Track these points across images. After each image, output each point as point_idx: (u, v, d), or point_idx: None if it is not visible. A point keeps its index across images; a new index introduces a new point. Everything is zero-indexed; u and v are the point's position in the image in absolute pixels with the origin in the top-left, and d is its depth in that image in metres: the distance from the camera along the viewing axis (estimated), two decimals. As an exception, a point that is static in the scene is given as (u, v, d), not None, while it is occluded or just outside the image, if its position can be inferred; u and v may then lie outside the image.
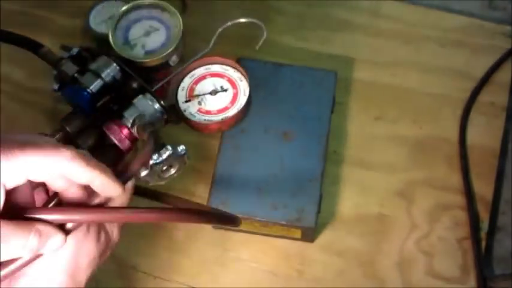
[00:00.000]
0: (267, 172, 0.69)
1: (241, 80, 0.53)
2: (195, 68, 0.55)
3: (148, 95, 0.54)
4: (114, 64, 0.55)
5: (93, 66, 0.55)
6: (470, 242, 0.70)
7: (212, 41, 0.57)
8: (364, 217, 0.73)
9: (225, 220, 0.54)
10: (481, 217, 0.72)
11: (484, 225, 0.71)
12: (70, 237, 0.44)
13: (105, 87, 0.54)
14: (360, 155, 0.76)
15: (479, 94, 0.79)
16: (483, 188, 0.73)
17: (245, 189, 0.69)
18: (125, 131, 0.53)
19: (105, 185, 0.44)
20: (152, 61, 0.57)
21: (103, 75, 0.54)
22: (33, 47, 0.60)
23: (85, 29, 0.82)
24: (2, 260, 0.40)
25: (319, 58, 0.82)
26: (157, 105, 0.54)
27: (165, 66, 0.58)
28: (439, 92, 0.80)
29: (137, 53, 0.57)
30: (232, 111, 0.51)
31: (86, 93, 0.53)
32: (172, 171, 0.55)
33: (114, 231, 0.50)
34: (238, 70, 0.53)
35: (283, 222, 0.67)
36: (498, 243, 0.69)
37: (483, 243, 0.70)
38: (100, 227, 0.48)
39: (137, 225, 0.72)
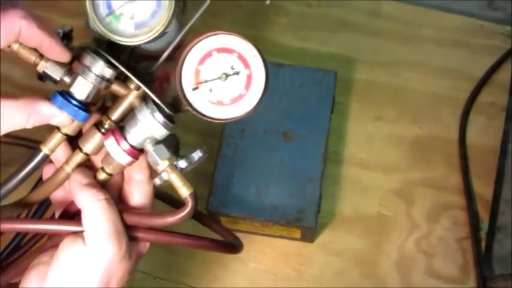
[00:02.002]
0: (266, 172, 0.69)
1: (255, 56, 0.42)
2: (196, 43, 0.44)
3: (150, 103, 0.44)
4: (101, 62, 0.47)
5: (79, 68, 0.48)
6: (470, 242, 0.70)
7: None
8: (364, 217, 0.73)
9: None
10: (481, 217, 0.72)
11: (484, 225, 0.71)
12: (104, 253, 0.44)
13: (98, 90, 0.47)
14: (360, 155, 0.76)
15: (479, 94, 0.79)
16: (483, 188, 0.73)
17: (245, 189, 0.69)
18: (125, 146, 0.46)
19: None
20: (147, 37, 0.45)
21: (89, 78, 0.47)
22: None
23: (86, 29, 0.82)
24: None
25: (319, 58, 0.82)
26: (161, 118, 0.44)
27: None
28: (439, 92, 0.80)
29: (126, 28, 0.47)
30: (249, 102, 0.41)
31: (75, 104, 0.47)
32: None
33: (147, 245, 0.50)
34: (249, 41, 0.42)
35: (283, 222, 0.67)
36: (498, 243, 0.69)
37: (483, 243, 0.70)
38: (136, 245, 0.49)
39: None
